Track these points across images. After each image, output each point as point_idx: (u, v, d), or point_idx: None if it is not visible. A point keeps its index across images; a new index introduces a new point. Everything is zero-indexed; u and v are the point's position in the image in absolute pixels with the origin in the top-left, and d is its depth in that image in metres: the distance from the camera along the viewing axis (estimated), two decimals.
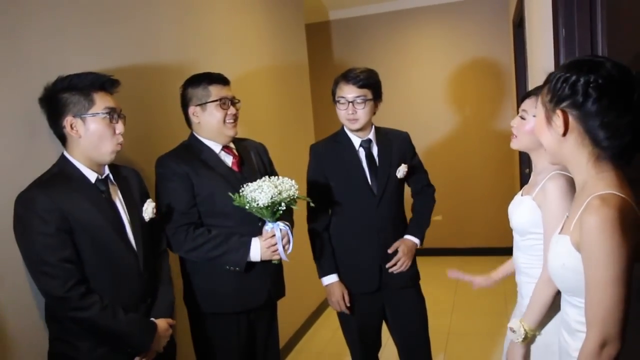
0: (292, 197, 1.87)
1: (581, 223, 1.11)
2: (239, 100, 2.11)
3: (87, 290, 1.54)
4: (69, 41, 1.85)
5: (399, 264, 2.25)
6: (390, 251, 2.26)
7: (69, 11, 1.87)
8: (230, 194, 1.89)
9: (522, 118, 1.67)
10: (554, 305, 1.53)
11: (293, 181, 1.92)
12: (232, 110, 2.04)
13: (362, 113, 2.19)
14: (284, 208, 1.88)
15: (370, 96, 2.20)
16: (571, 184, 1.51)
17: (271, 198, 1.81)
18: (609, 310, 1.08)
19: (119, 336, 1.59)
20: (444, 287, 4.53)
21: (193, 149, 2.05)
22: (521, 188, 4.38)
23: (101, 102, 1.61)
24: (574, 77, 1.15)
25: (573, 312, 1.23)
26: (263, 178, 1.90)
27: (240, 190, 1.88)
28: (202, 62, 2.68)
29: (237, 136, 2.14)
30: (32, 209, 1.49)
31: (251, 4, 3.35)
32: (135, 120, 2.18)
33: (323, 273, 2.30)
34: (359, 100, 2.17)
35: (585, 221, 1.10)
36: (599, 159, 1.16)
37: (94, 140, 1.61)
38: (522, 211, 1.66)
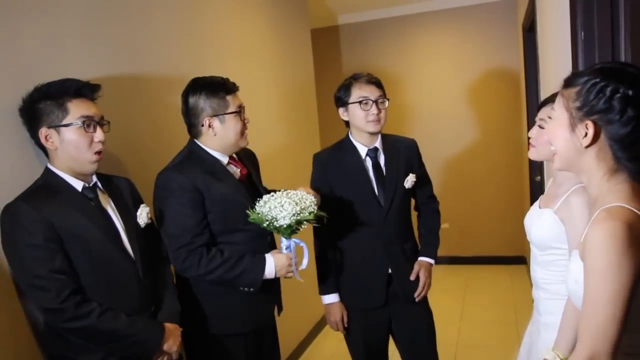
0: (312, 213, 1.78)
1: (586, 235, 1.07)
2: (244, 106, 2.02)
3: (82, 299, 1.49)
4: (66, 48, 1.80)
5: (425, 290, 2.21)
6: (412, 278, 2.19)
7: (67, 18, 1.81)
8: (247, 212, 1.79)
9: (541, 127, 1.60)
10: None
11: (311, 195, 1.84)
12: (246, 119, 1.93)
13: (384, 113, 2.15)
14: (305, 227, 1.80)
15: (385, 95, 2.17)
16: None
17: (294, 215, 1.71)
18: (600, 327, 1.02)
19: (124, 338, 1.53)
20: (452, 297, 4.46)
21: (199, 160, 1.87)
22: (531, 196, 4.30)
23: (76, 110, 1.54)
24: (610, 88, 1.06)
25: None
26: (281, 193, 1.79)
27: (257, 205, 1.78)
28: (205, 69, 2.62)
29: (260, 146, 2.06)
30: (17, 221, 1.43)
31: (255, 10, 3.30)
32: (136, 128, 2.13)
33: (324, 291, 2.23)
34: (381, 100, 2.13)
35: (589, 233, 1.05)
36: (617, 172, 1.11)
37: (70, 150, 1.54)
38: (543, 225, 1.58)
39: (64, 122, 1.53)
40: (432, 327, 2.30)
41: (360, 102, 2.11)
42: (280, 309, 2.13)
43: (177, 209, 1.78)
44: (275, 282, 1.99)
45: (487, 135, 5.19)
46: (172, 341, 1.67)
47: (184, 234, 1.78)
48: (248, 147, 2.06)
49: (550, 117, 1.48)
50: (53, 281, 1.43)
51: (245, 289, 1.86)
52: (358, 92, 2.12)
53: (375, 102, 2.11)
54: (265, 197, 1.79)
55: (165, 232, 1.81)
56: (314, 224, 1.85)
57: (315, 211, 1.81)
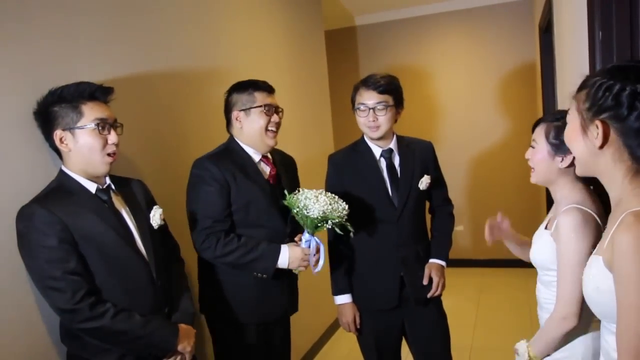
0: (341, 219, 1.87)
1: (613, 241, 1.03)
2: (282, 110, 2.09)
3: (97, 300, 1.50)
4: (79, 48, 1.81)
5: (439, 290, 2.20)
6: (425, 282, 2.17)
7: (80, 18, 1.83)
8: (286, 192, 1.91)
9: (532, 147, 1.61)
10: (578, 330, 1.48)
11: (346, 206, 1.91)
12: (275, 118, 2.04)
13: (383, 120, 2.09)
14: (330, 227, 1.88)
15: (391, 102, 2.11)
16: (587, 218, 1.43)
17: (323, 212, 1.81)
18: None
19: (138, 338, 1.55)
20: (466, 300, 4.42)
21: (233, 155, 2.03)
22: (547, 199, 4.24)
23: (90, 113, 1.56)
24: (618, 86, 1.04)
25: (613, 340, 1.12)
26: (320, 190, 1.91)
27: (295, 193, 1.87)
28: (219, 69, 2.63)
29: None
30: (32, 223, 1.45)
31: (269, 12, 3.31)
32: (145, 126, 2.14)
33: (336, 291, 2.22)
34: (380, 107, 2.08)
35: (617, 239, 1.01)
36: (638, 173, 1.07)
37: (84, 152, 1.56)
38: (540, 246, 1.59)
39: (79, 124, 1.54)
40: (446, 330, 2.28)
41: (357, 107, 2.13)
42: (293, 309, 2.17)
43: (205, 196, 1.93)
44: (287, 280, 2.04)
45: (503, 137, 5.14)
46: (187, 342, 1.67)
47: (207, 218, 1.92)
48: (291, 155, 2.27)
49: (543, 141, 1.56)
50: (68, 282, 1.45)
51: (258, 275, 1.96)
52: (358, 98, 2.13)
53: (373, 109, 2.08)
54: (305, 189, 1.90)
55: (191, 214, 1.96)
56: (338, 230, 1.91)
57: (344, 219, 1.89)
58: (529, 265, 5.38)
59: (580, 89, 1.16)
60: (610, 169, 1.10)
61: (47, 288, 1.46)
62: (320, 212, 1.81)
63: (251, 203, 1.97)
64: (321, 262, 1.99)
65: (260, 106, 2.00)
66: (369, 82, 2.10)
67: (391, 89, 2.11)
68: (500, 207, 5.59)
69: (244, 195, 1.96)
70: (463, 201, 5.23)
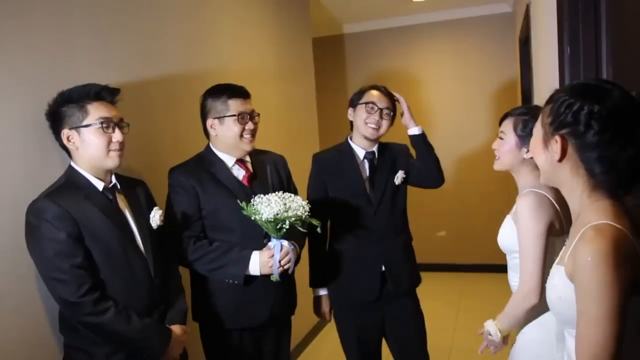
0: (299, 217, 1.84)
1: (574, 254, 1.07)
2: (259, 114, 2.08)
3: (101, 295, 1.56)
4: (79, 51, 1.88)
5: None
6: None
7: (79, 21, 1.90)
8: (239, 201, 1.88)
9: (501, 138, 1.72)
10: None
11: (305, 202, 1.88)
12: (250, 125, 2.01)
13: (385, 124, 2.25)
14: (287, 227, 1.84)
15: (393, 113, 2.28)
16: (542, 200, 1.56)
17: (276, 214, 1.79)
18: (600, 348, 1.01)
19: (133, 341, 1.61)
20: (447, 304, 4.49)
21: (204, 162, 2.04)
22: None
23: (95, 112, 1.63)
24: (577, 105, 1.10)
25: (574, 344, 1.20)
26: (275, 192, 1.88)
27: (252, 201, 1.86)
28: (213, 72, 2.69)
29: (258, 148, 2.14)
30: (43, 217, 1.51)
31: (258, 19, 3.38)
32: (142, 129, 2.19)
33: (313, 284, 2.38)
34: (386, 111, 2.24)
35: (578, 253, 1.05)
36: (595, 188, 1.12)
37: (90, 150, 1.63)
38: (504, 230, 1.71)
39: (84, 123, 1.62)
40: (422, 324, 2.37)
41: (366, 103, 2.23)
42: (284, 311, 2.16)
43: (174, 204, 1.98)
44: (274, 283, 1.99)
45: (487, 144, 5.22)
46: (176, 348, 1.74)
47: (176, 226, 1.95)
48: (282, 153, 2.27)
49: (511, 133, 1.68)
50: (74, 276, 1.51)
51: (230, 281, 1.95)
52: (368, 97, 2.25)
53: (381, 110, 2.21)
54: (263, 195, 1.88)
55: (166, 222, 1.94)
56: (300, 229, 1.90)
57: (304, 217, 1.85)
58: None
59: (547, 102, 1.21)
60: (569, 181, 1.15)
61: (52, 279, 1.51)
62: (272, 215, 1.79)
63: (221, 208, 1.97)
64: (290, 266, 1.95)
65: (234, 115, 1.98)
66: (381, 88, 2.27)
67: (394, 102, 2.30)
68: (482, 213, 5.68)
69: (212, 201, 1.97)
70: (446, 206, 5.33)
